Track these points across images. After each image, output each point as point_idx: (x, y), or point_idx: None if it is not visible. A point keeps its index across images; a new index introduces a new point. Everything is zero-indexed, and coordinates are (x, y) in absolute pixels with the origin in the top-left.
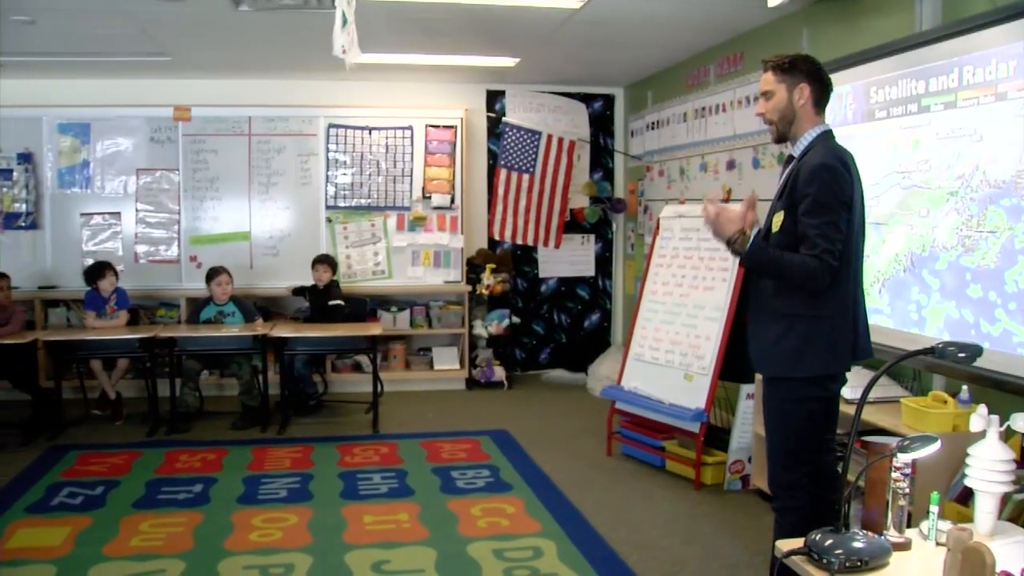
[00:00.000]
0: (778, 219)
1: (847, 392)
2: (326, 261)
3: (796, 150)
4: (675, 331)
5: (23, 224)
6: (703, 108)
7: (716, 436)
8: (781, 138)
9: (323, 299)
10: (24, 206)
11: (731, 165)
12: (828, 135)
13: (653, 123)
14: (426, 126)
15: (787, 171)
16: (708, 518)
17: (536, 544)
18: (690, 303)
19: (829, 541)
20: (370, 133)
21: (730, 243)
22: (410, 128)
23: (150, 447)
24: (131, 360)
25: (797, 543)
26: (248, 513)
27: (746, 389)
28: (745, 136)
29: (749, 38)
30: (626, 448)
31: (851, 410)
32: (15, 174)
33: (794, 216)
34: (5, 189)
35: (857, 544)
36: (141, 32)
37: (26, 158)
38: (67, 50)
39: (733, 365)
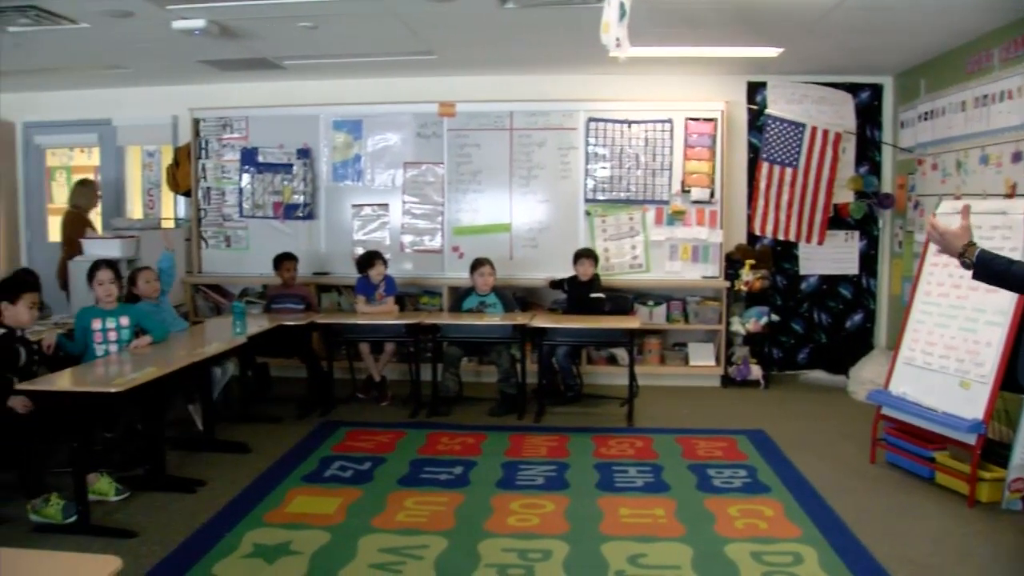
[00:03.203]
0: None
1: None
2: (590, 256)
3: None
4: (951, 335)
5: (301, 215)
6: (985, 96)
7: (992, 450)
8: None
9: (584, 292)
10: (302, 198)
11: (1017, 157)
12: None
13: (926, 113)
14: (686, 119)
15: None
16: (984, 538)
17: (796, 550)
18: (969, 306)
19: None
20: (629, 127)
21: (961, 256)
22: (669, 121)
23: (413, 428)
24: (396, 344)
25: None
26: (506, 497)
27: None
28: None
29: None
30: (891, 456)
31: None
32: (295, 168)
33: None
34: (286, 182)
35: None
36: (410, 32)
37: (304, 153)
38: (342, 52)
39: (1016, 374)
